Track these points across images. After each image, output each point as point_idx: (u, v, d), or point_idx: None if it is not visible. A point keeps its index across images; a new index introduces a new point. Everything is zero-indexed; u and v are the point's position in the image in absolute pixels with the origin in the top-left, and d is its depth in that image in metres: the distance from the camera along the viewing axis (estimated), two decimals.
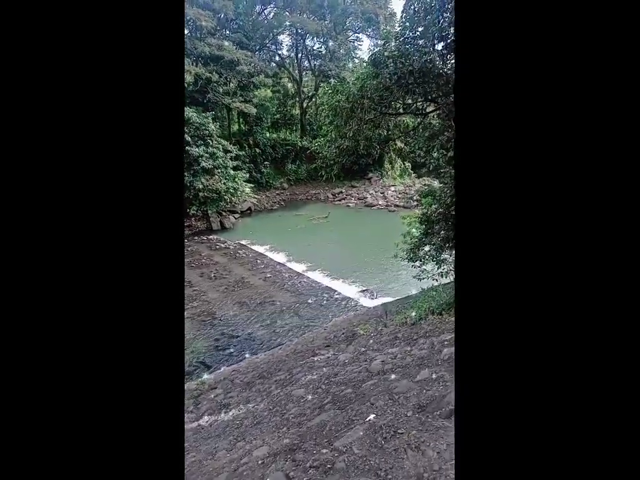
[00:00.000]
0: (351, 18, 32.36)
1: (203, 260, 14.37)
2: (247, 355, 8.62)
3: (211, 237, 17.49)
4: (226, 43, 22.13)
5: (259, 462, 2.91)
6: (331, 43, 31.74)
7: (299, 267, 13.56)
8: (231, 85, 23.24)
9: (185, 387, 6.92)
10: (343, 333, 8.36)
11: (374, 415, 3.11)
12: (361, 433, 2.81)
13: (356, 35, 33.93)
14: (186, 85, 20.94)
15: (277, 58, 34.05)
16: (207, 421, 5.00)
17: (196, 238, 17.16)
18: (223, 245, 16.28)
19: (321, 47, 32.90)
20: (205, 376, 7.53)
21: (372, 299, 10.94)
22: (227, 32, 26.61)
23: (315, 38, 31.65)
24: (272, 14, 30.97)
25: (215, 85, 21.53)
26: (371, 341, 7.07)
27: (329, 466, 2.50)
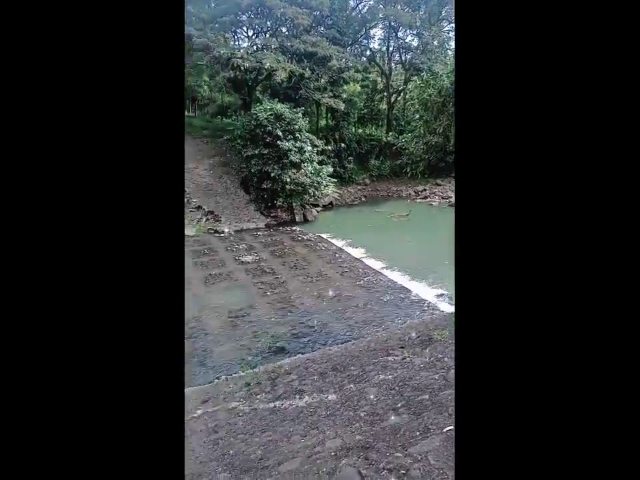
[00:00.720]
0: (447, 7, 30.68)
1: (286, 250, 15.04)
2: (320, 346, 8.85)
3: (294, 228, 18.21)
4: (320, 39, 22.54)
5: (332, 453, 3.01)
6: (424, 35, 30.49)
7: (376, 264, 13.46)
8: (322, 80, 23.69)
9: (263, 369, 7.38)
10: (418, 336, 8.13)
11: (453, 427, 3.00)
12: (438, 444, 2.74)
13: (451, 25, 32.11)
14: (280, 82, 21.89)
15: (368, 52, 33.76)
16: (282, 404, 5.29)
17: (280, 228, 18.01)
18: (304, 237, 16.84)
19: (414, 39, 31.82)
20: (281, 361, 7.92)
21: (450, 304, 10.43)
22: (322, 29, 27.10)
23: (408, 30, 30.68)
24: (366, 8, 30.74)
25: (307, 81, 22.15)
26: (449, 348, 6.77)
27: (402, 471, 2.49)
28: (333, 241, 16.43)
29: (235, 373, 7.94)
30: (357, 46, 32.63)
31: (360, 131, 30.62)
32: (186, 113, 28.93)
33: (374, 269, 13.03)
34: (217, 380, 7.61)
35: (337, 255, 14.56)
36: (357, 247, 15.39)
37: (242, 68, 19.45)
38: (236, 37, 24.49)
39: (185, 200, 17.84)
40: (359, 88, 31.31)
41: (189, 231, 16.43)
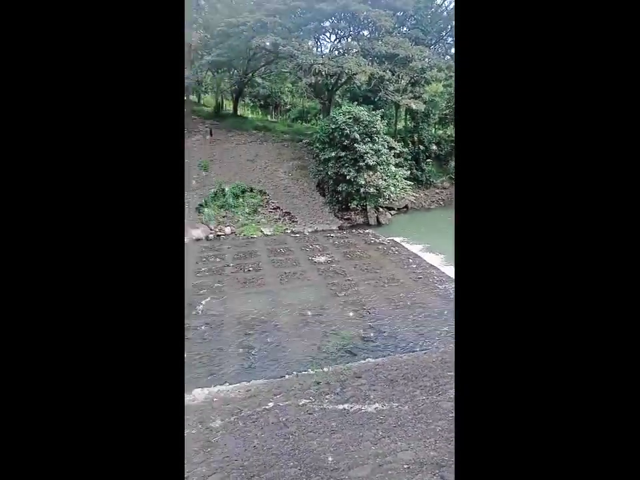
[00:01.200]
0: None
1: (358, 252, 14.98)
2: (390, 352, 8.62)
3: (367, 231, 18.08)
4: (402, 40, 22.12)
5: (405, 465, 2.89)
6: None
7: (452, 272, 12.73)
8: (402, 82, 23.21)
9: (332, 369, 7.42)
10: None
11: None
12: None
13: None
14: (359, 85, 21.93)
15: (452, 50, 32.26)
16: (351, 407, 5.25)
17: (354, 231, 18.02)
18: (377, 240, 16.63)
19: None
20: (350, 364, 7.88)
21: None
22: (405, 29, 26.59)
23: None
24: (452, 4, 29.41)
25: (387, 83, 21.87)
26: None
27: None
28: (407, 245, 15.95)
29: (304, 371, 8.10)
30: (441, 44, 31.39)
31: (440, 132, 29.35)
32: (268, 119, 30.47)
33: (450, 277, 12.35)
34: (287, 375, 7.84)
35: (410, 260, 14.11)
36: (432, 253, 14.76)
37: (323, 73, 19.88)
38: (319, 43, 25.16)
39: (265, 201, 18.75)
40: (442, 88, 30.05)
41: (266, 230, 17.23)
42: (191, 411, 6.01)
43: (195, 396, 6.94)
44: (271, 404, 5.69)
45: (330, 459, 3.42)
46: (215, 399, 6.56)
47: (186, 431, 5.00)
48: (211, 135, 22.51)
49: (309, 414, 5.03)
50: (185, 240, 15.89)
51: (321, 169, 19.06)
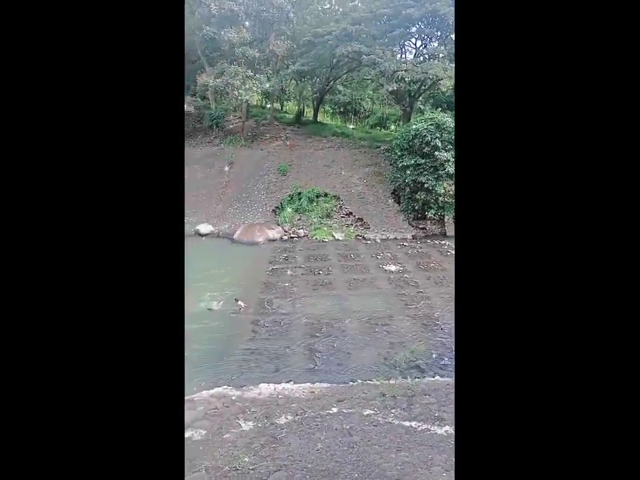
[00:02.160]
0: None
1: (432, 264, 14.33)
2: None
3: (443, 242, 17.24)
4: None
5: None
6: None
7: None
8: None
9: (399, 383, 7.12)
10: None
11: None
12: None
13: None
14: (444, 90, 21.10)
15: None
16: (418, 426, 4.95)
17: (428, 241, 17.31)
18: (453, 252, 15.75)
19: None
20: (419, 379, 7.49)
21: None
22: None
23: None
24: None
25: None
26: None
27: None
28: None
29: (369, 380, 7.89)
30: None
31: None
32: (347, 125, 30.80)
33: None
34: (352, 382, 7.71)
35: None
36: None
37: (406, 79, 19.50)
38: (403, 49, 24.77)
39: (338, 206, 18.89)
40: None
41: (338, 235, 17.32)
42: (257, 404, 6.17)
43: (261, 390, 7.14)
44: (334, 409, 5.61)
45: (396, 476, 3.23)
46: (280, 396, 6.67)
47: (252, 424, 5.13)
48: (287, 141, 23.36)
49: (374, 426, 4.85)
50: (260, 240, 16.63)
51: (398, 175, 18.66)
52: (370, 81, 25.99)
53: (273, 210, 18.63)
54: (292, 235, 17.43)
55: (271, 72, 23.01)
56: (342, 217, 18.71)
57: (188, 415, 5.59)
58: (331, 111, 32.87)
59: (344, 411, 5.52)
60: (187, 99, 26.87)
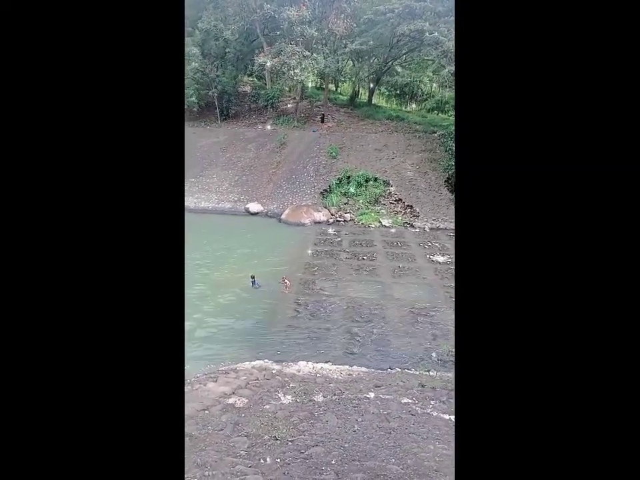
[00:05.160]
0: None
1: None
2: None
3: None
4: None
5: None
6: None
7: None
8: None
9: (439, 375, 6.98)
10: None
11: None
12: None
13: None
14: None
15: None
16: None
17: None
18: None
19: None
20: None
21: None
22: None
23: None
24: None
25: None
26: None
27: None
28: None
29: (408, 369, 7.82)
30: None
31: None
32: (402, 108, 29.76)
33: None
34: (390, 369, 7.69)
35: None
36: None
37: None
38: None
39: (387, 192, 18.50)
40: None
41: (385, 221, 17.03)
42: (296, 380, 6.36)
43: (300, 367, 7.34)
44: (372, 394, 5.63)
45: (434, 467, 3.19)
46: (318, 375, 6.82)
47: (291, 398, 5.30)
48: (323, 121, 23.01)
49: (412, 415, 4.81)
50: (307, 221, 16.79)
51: (453, 163, 17.84)
52: (431, 62, 24.74)
53: (321, 192, 18.66)
54: (338, 219, 17.40)
55: (328, 51, 22.65)
56: (391, 202, 18.33)
57: (232, 383, 5.88)
58: (387, 93, 31.86)
59: (381, 396, 5.53)
60: (244, 78, 27.30)
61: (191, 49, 22.15)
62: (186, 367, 7.17)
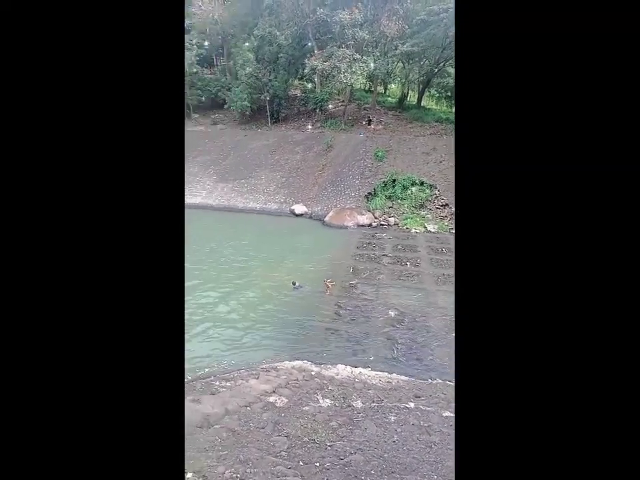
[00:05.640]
0: None
1: None
2: None
3: None
4: None
5: None
6: None
7: None
8: None
9: None
10: None
11: None
12: None
13: None
14: None
15: None
16: None
17: None
18: None
19: None
20: None
21: None
22: None
23: None
24: None
25: None
26: None
27: None
28: None
29: (451, 381, 7.57)
30: None
31: None
32: (453, 111, 28.81)
33: None
34: (431, 380, 7.48)
35: None
36: None
37: None
38: None
39: (434, 196, 18.01)
40: None
41: (430, 226, 16.60)
42: (335, 383, 6.38)
43: (339, 370, 7.35)
44: (412, 404, 5.53)
45: None
46: (357, 380, 6.80)
47: (330, 402, 5.33)
48: (370, 124, 22.75)
49: (453, 428, 4.66)
50: (350, 224, 16.77)
51: None
52: None
53: (366, 195, 18.56)
54: (382, 222, 17.22)
55: (378, 54, 22.50)
56: (437, 207, 17.83)
57: (273, 381, 6.03)
58: (437, 95, 31.02)
59: (422, 407, 5.40)
60: (295, 82, 27.81)
61: (247, 54, 22.95)
62: (227, 361, 7.46)
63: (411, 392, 6.27)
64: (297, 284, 10.94)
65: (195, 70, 25.44)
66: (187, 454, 3.59)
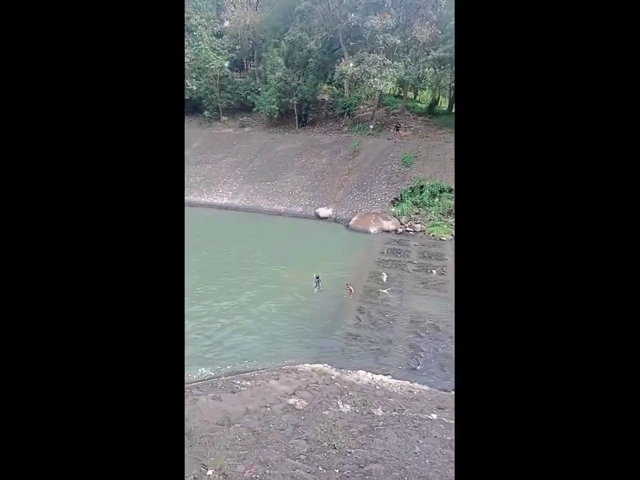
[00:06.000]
0: None
1: None
2: None
3: None
4: None
5: None
6: None
7: None
8: None
9: None
10: None
11: None
12: None
13: None
14: None
15: None
16: None
17: None
18: None
19: None
20: None
21: None
22: None
23: None
24: None
25: None
26: None
27: None
28: None
29: None
30: None
31: None
32: None
33: None
34: (453, 392, 7.26)
35: None
36: None
37: None
38: None
39: None
40: None
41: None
42: (355, 389, 6.29)
43: (359, 376, 7.25)
44: (434, 415, 5.37)
45: None
46: (377, 387, 6.68)
47: (350, 408, 5.25)
48: (398, 130, 22.46)
49: None
50: (375, 229, 16.61)
51: None
52: None
53: (392, 201, 18.36)
54: (407, 229, 16.97)
55: (409, 59, 22.30)
56: None
57: (293, 383, 6.01)
58: None
59: (444, 419, 5.24)
60: (323, 87, 27.96)
61: (277, 59, 23.28)
62: (249, 359, 7.51)
63: (433, 403, 6.10)
64: (319, 281, 10.97)
65: (225, 73, 26.02)
66: (207, 451, 3.61)
